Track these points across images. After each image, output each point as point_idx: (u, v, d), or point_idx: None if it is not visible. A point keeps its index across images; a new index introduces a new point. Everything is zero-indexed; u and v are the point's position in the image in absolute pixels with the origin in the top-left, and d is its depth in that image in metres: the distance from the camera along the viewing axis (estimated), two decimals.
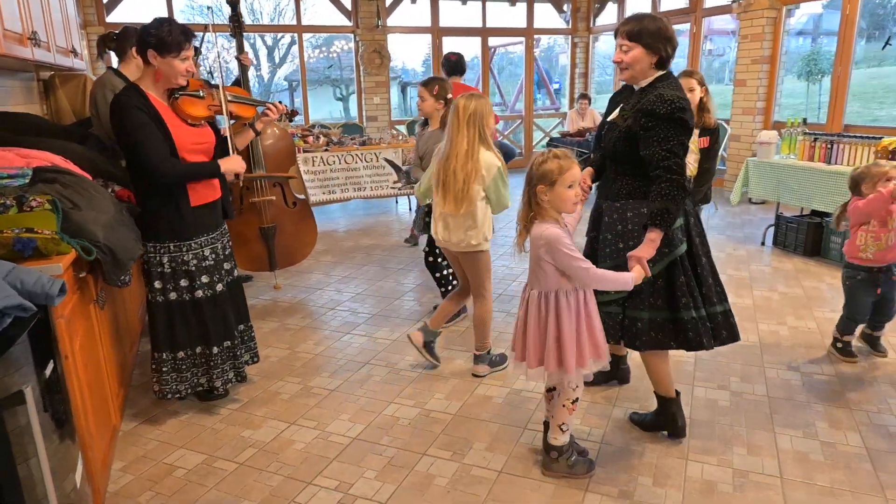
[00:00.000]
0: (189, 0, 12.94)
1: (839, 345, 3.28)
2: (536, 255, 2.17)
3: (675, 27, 9.29)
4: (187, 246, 2.63)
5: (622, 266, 2.29)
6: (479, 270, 3.09)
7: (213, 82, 3.06)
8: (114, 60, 3.89)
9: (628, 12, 9.57)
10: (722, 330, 2.45)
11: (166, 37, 2.41)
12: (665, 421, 2.57)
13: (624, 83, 2.52)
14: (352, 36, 9.19)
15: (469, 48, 10.88)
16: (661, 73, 2.35)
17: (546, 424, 2.39)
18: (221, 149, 2.82)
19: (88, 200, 2.21)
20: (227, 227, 2.92)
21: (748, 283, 4.48)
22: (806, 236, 5.07)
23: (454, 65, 5.08)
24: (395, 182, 7.11)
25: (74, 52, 4.24)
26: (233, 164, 2.73)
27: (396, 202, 7.83)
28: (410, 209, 7.50)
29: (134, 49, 3.19)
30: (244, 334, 2.98)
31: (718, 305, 2.45)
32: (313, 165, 6.66)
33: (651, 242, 2.23)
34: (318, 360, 3.42)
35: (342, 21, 9.17)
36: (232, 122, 3.02)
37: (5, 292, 1.43)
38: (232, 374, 2.84)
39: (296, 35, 9.05)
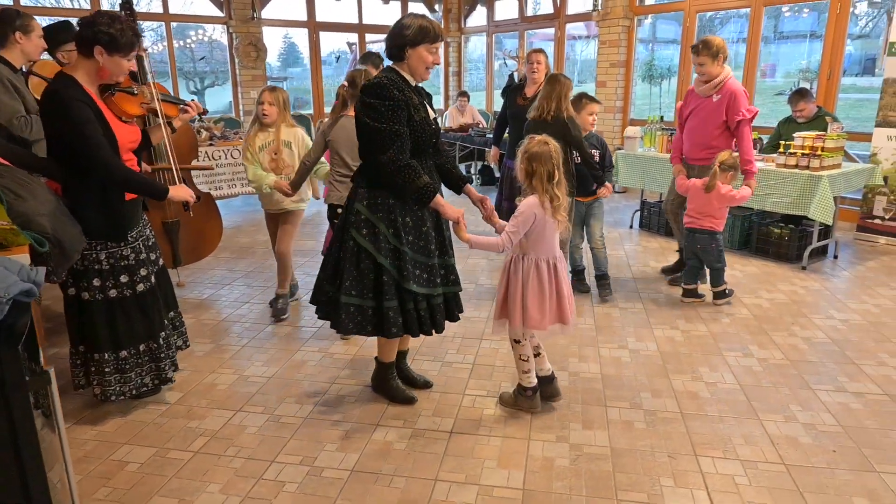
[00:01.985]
0: None
1: (728, 290, 4.11)
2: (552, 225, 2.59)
3: (542, 31, 9.93)
4: (125, 241, 2.58)
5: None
6: None
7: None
8: None
9: (498, 15, 10.18)
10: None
11: (119, 37, 2.37)
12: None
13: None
14: (223, 27, 8.89)
15: (338, 43, 11.10)
16: None
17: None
18: (145, 145, 2.82)
19: (30, 191, 2.12)
20: (146, 217, 2.88)
21: (626, 261, 5.09)
22: (667, 219, 5.82)
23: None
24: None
25: None
26: (181, 192, 2.70)
27: None
28: None
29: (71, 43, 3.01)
30: (174, 321, 2.97)
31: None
32: (198, 161, 6.42)
33: None
34: (247, 350, 3.43)
35: (213, 11, 8.82)
36: (161, 120, 2.98)
37: (10, 280, 1.42)
38: (169, 363, 2.80)
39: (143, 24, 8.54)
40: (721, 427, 2.65)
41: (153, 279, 2.72)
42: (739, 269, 4.81)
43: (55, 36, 3.48)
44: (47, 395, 1.73)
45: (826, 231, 4.99)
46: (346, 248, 2.57)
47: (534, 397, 2.76)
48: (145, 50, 4.08)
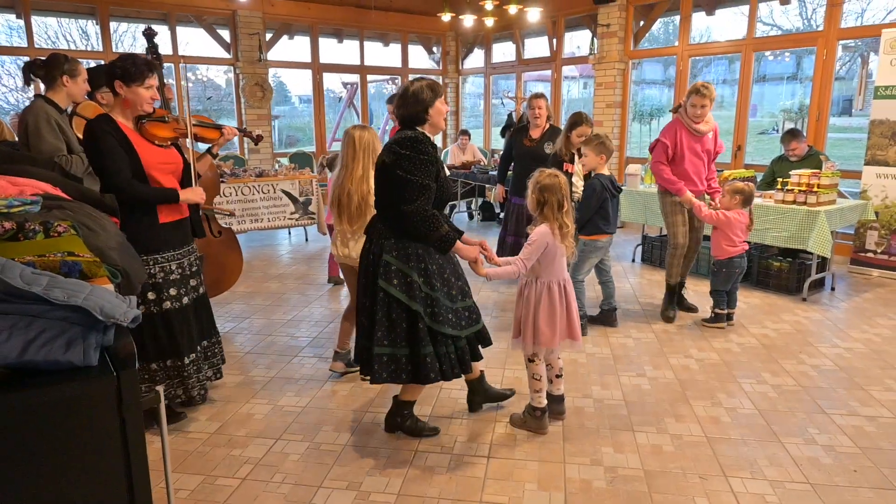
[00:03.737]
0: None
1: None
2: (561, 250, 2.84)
3: (539, 73, 10.23)
4: (154, 260, 2.82)
5: None
6: None
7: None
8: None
9: (495, 58, 10.54)
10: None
11: (130, 67, 2.67)
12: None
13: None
14: (225, 68, 9.13)
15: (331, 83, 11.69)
16: None
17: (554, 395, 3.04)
18: (186, 173, 2.98)
19: (100, 225, 2.23)
20: (195, 245, 3.10)
21: (633, 293, 5.25)
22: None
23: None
24: (291, 213, 7.19)
25: None
26: (193, 195, 2.92)
27: (289, 233, 7.86)
28: (307, 239, 7.60)
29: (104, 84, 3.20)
30: (208, 350, 3.13)
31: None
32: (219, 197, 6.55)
33: None
34: (277, 381, 3.51)
35: (220, 53, 9.07)
36: (197, 144, 3.19)
37: (123, 307, 1.53)
38: (196, 390, 2.97)
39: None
40: (745, 450, 2.77)
41: (185, 300, 2.95)
42: (743, 301, 4.98)
43: (94, 79, 3.64)
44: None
45: (823, 264, 5.20)
46: (377, 301, 2.63)
47: (542, 418, 2.91)
48: (167, 85, 4.26)
